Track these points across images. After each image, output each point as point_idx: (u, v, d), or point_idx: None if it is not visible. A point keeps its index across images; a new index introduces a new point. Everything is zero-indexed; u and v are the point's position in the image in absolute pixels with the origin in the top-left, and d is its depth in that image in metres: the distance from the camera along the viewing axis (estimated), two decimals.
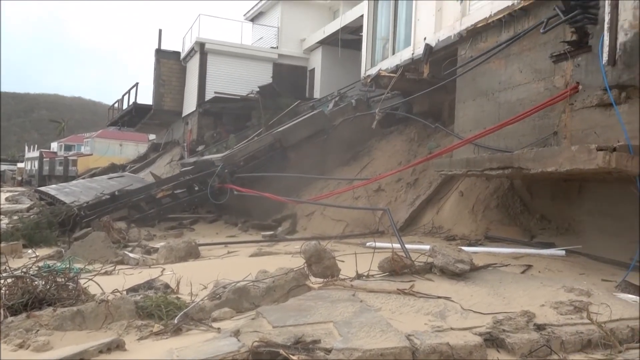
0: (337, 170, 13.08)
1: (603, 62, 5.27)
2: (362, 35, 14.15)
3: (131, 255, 7.94)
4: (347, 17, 19.19)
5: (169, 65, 24.16)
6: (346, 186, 11.33)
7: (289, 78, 22.44)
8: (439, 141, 11.07)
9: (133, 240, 10.19)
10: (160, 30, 24.83)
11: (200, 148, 19.70)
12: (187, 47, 23.25)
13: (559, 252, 6.41)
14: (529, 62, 7.08)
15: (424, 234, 9.21)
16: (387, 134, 13.37)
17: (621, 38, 5.10)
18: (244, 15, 26.35)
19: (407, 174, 10.82)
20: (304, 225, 11.67)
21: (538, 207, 8.12)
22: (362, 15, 14.53)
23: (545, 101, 6.35)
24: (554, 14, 6.36)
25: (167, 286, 4.99)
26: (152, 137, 34.73)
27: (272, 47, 23.20)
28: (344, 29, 19.36)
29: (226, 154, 13.60)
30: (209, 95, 21.24)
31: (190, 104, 22.74)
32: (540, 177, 6.99)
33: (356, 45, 16.84)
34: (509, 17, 7.47)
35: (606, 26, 5.20)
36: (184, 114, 23.70)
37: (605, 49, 5.20)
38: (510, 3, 7.31)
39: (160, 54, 24.05)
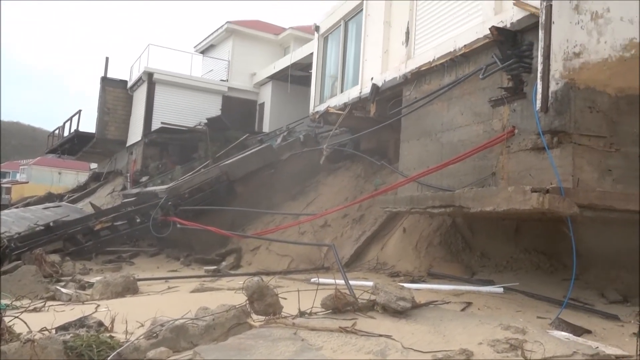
0: (284, 205, 13.05)
1: (537, 109, 5.59)
2: (311, 73, 14.42)
3: (64, 290, 7.54)
4: (297, 54, 19.55)
5: (115, 93, 23.69)
6: (292, 221, 11.29)
7: (238, 111, 22.46)
8: (385, 178, 11.29)
9: (67, 274, 9.69)
10: (107, 58, 24.37)
11: (144, 179, 19.21)
12: (135, 76, 22.93)
13: (497, 289, 6.59)
14: (470, 105, 7.40)
15: (368, 270, 9.26)
16: (335, 169, 13.52)
17: (553, 87, 5.44)
18: (195, 47, 26.36)
19: (353, 210, 10.92)
20: (248, 260, 11.48)
21: (479, 244, 8.38)
22: (312, 53, 14.86)
23: (484, 143, 6.63)
24: (492, 61, 6.72)
25: (100, 324, 4.75)
26: (93, 166, 33.60)
27: (222, 80, 23.24)
28: (294, 65, 19.68)
29: (171, 185, 13.31)
30: (156, 125, 20.90)
31: (135, 134, 22.27)
32: (480, 216, 7.23)
33: (306, 81, 17.14)
34: (450, 62, 7.81)
35: (539, 75, 5.53)
36: (128, 144, 23.15)
37: (539, 96, 5.52)
38: (452, 49, 7.66)
39: (106, 81, 23.57)
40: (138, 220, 12.79)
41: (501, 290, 6.59)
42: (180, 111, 21.65)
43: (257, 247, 11.64)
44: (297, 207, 12.60)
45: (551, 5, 5.44)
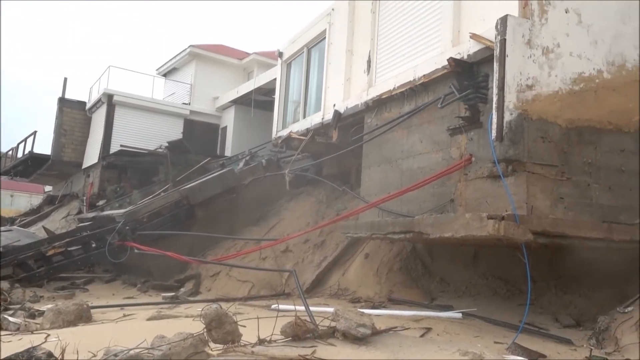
0: (245, 229, 12.93)
1: (492, 138, 5.77)
2: (274, 98, 14.51)
3: (11, 319, 7.19)
4: (260, 79, 19.65)
5: (72, 114, 23.18)
6: (253, 246, 11.19)
7: (201, 135, 22.30)
8: (347, 204, 11.36)
9: (16, 302, 9.27)
10: (65, 79, 23.86)
11: (101, 203, 18.71)
12: (94, 98, 22.52)
13: (456, 314, 6.67)
14: (429, 133, 7.57)
15: (330, 295, 9.23)
16: (297, 194, 13.52)
17: (507, 117, 5.64)
18: (157, 69, 26.16)
19: (314, 235, 10.91)
20: (208, 286, 11.27)
21: (438, 270, 8.49)
22: (275, 79, 14.97)
23: (442, 170, 6.78)
24: (450, 91, 6.93)
25: (50, 355, 4.54)
26: (48, 188, 32.54)
27: (184, 103, 23.08)
28: (258, 90, 19.76)
29: (128, 209, 13.00)
30: (115, 148, 20.51)
31: (93, 156, 21.76)
32: (440, 242, 7.35)
33: (269, 106, 17.22)
34: (410, 91, 7.99)
35: (494, 106, 5.73)
36: (85, 166, 22.56)
37: (494, 126, 5.70)
38: (411, 78, 7.86)
39: (63, 102, 23.04)
40: (94, 245, 12.42)
41: (460, 315, 6.68)
42: (140, 134, 21.33)
43: (217, 273, 11.45)
44: (258, 232, 12.50)
45: (505, 40, 5.67)
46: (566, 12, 6.08)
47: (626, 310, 5.62)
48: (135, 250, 11.49)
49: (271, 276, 10.32)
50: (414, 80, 7.83)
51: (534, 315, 6.52)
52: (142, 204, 13.30)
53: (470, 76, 6.68)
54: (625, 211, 6.19)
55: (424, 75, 7.61)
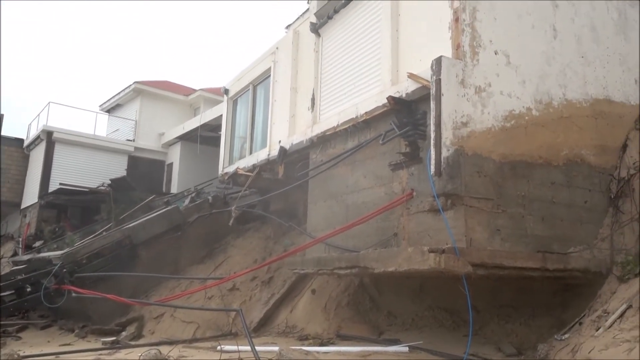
0: (191, 268, 12.60)
1: (431, 173, 5.94)
2: (221, 134, 14.45)
3: None
4: (207, 115, 19.56)
5: (9, 152, 22.27)
6: (199, 285, 10.90)
7: (145, 172, 21.84)
8: (294, 239, 11.31)
9: None
10: (1, 116, 22.92)
11: (37, 244, 17.83)
12: (33, 135, 21.73)
13: (402, 348, 6.70)
14: (372, 168, 7.71)
15: (278, 333, 9.08)
16: (244, 231, 13.36)
17: (444, 153, 5.83)
18: (100, 106, 25.62)
19: (262, 272, 10.78)
20: (151, 329, 10.83)
21: (385, 303, 8.53)
22: (221, 115, 14.94)
23: (385, 205, 6.89)
24: (391, 128, 7.11)
25: None
26: None
27: (128, 140, 22.61)
28: (204, 126, 19.63)
29: (66, 251, 12.42)
30: (54, 186, 19.74)
31: (31, 195, 20.85)
32: (385, 276, 7.40)
33: (215, 142, 17.08)
34: (353, 128, 8.14)
35: (432, 142, 5.92)
36: (23, 206, 21.56)
37: (432, 161, 5.88)
38: (354, 115, 8.02)
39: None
40: (29, 289, 11.76)
41: (406, 349, 6.70)
42: (81, 171, 20.69)
43: (161, 315, 11.06)
44: (204, 271, 12.22)
45: (440, 79, 5.92)
46: (495, 54, 6.43)
47: (563, 338, 5.81)
48: (73, 294, 10.95)
49: (217, 316, 10.07)
50: (357, 117, 7.98)
51: (477, 345, 6.63)
52: (82, 244, 12.76)
53: (409, 113, 6.88)
54: (557, 241, 6.47)
55: (365, 112, 7.77)
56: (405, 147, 6.90)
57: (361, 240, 7.54)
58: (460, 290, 5.65)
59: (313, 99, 9.57)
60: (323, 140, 9.08)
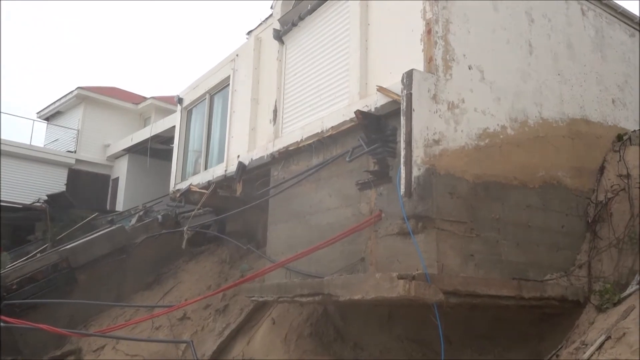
0: (137, 295, 12.32)
1: (401, 194, 5.99)
2: (173, 146, 14.28)
3: None
4: (158, 126, 19.33)
5: None
6: (146, 314, 10.65)
7: (88, 187, 21.38)
8: (252, 263, 11.21)
9: None
10: None
11: None
12: None
13: None
14: (338, 187, 7.73)
15: None
16: (197, 254, 13.16)
17: (415, 172, 5.90)
18: (38, 113, 24.96)
19: (216, 300, 10.63)
20: None
21: (352, 334, 8.49)
22: (174, 126, 14.78)
23: (351, 227, 6.90)
24: (359, 144, 7.17)
25: None
26: None
27: (69, 151, 22.07)
28: (155, 138, 19.38)
29: None
30: None
31: None
32: (351, 304, 7.39)
33: (167, 156, 16.87)
34: (318, 144, 8.16)
35: (402, 160, 5.98)
36: None
37: (402, 181, 5.93)
38: (319, 130, 8.05)
39: None
40: None
41: None
42: (14, 185, 20.06)
43: (102, 347, 10.76)
44: (152, 298, 11.96)
45: (411, 94, 6.01)
46: (469, 69, 6.60)
47: None
48: (1, 324, 10.51)
49: (166, 348, 9.86)
50: (322, 132, 8.01)
51: None
52: (12, 268, 12.32)
53: (378, 129, 6.94)
54: (533, 267, 6.61)
55: (331, 127, 7.82)
56: (373, 165, 6.95)
57: (325, 265, 7.52)
58: (431, 320, 5.68)
59: (275, 111, 9.58)
60: (286, 155, 9.07)
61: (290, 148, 8.81)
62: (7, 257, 15.10)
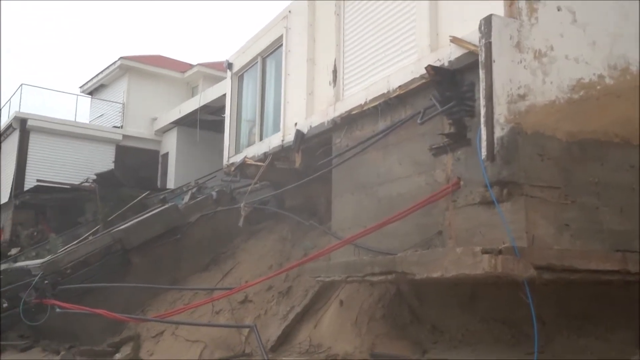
0: (194, 277, 12.73)
1: (482, 157, 5.85)
2: (224, 117, 14.49)
3: None
4: (207, 94, 19.65)
5: None
6: (205, 298, 11.00)
7: (136, 164, 22.10)
8: (316, 241, 11.32)
9: None
10: None
11: (13, 251, 18.21)
12: (4, 123, 22.11)
13: None
14: (409, 153, 7.64)
15: (300, 353, 9.11)
16: (256, 232, 13.42)
17: (498, 132, 5.74)
18: (81, 87, 25.91)
19: (279, 281, 10.82)
20: (150, 350, 11.01)
21: (429, 315, 8.46)
22: (224, 94, 14.97)
23: (426, 197, 6.82)
24: (431, 104, 7.02)
25: None
26: None
27: (115, 127, 22.86)
28: (204, 108, 19.73)
29: (48, 259, 12.69)
30: (30, 183, 20.16)
31: (3, 195, 21.27)
32: (428, 282, 7.36)
33: (218, 127, 17.18)
34: (385, 105, 8.07)
35: (482, 120, 5.82)
36: None
37: (483, 143, 5.79)
38: (385, 90, 7.95)
39: None
40: (5, 305, 12.07)
41: None
42: (62, 165, 21.04)
43: (161, 333, 11.23)
44: (210, 280, 12.32)
45: (490, 43, 5.81)
46: (558, 10, 6.28)
47: None
48: (57, 310, 11.18)
49: (227, 333, 10.15)
50: (388, 92, 7.91)
51: None
52: (65, 251, 13.02)
53: (453, 86, 6.78)
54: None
55: (399, 86, 7.70)
56: (449, 126, 6.81)
57: (398, 241, 7.50)
58: (520, 299, 5.58)
59: (335, 72, 9.52)
60: (348, 120, 9.03)
61: (353, 112, 8.75)
62: (58, 241, 15.93)
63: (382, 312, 8.83)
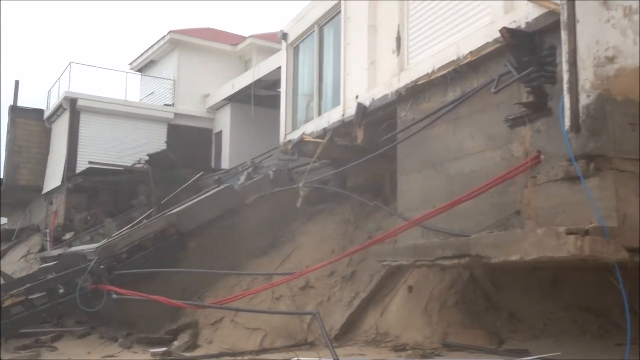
0: (253, 262, 12.95)
1: (565, 128, 5.71)
2: (280, 91, 14.57)
3: None
4: (261, 68, 19.77)
5: (27, 126, 23.63)
6: (264, 283, 11.19)
7: (189, 143, 22.51)
8: (381, 222, 11.31)
9: None
10: (17, 82, 24.37)
11: (68, 236, 18.96)
12: (54, 104, 22.87)
13: None
14: (482, 126, 7.56)
15: (366, 342, 9.19)
16: (316, 213, 13.50)
17: (583, 100, 5.58)
18: (130, 64, 26.52)
19: (342, 265, 10.89)
20: (208, 337, 11.31)
21: (506, 303, 8.37)
22: (279, 67, 15.04)
23: (502, 174, 6.73)
24: (507, 70, 6.88)
25: None
26: (2, 221, 33.11)
27: (166, 105, 23.32)
28: (259, 82, 19.88)
29: (103, 243, 13.15)
30: (82, 165, 20.78)
31: (55, 178, 22.08)
32: (505, 267, 7.27)
33: (274, 103, 17.29)
34: (454, 74, 8.01)
35: (565, 86, 5.69)
36: (46, 191, 22.93)
37: (567, 112, 5.65)
38: (455, 57, 7.89)
39: (15, 112, 23.52)
40: (61, 291, 12.54)
41: None
42: (113, 146, 21.60)
43: (220, 320, 11.49)
44: (269, 265, 12.51)
45: (574, 0, 5.63)
46: None
47: None
48: (114, 296, 11.57)
49: (289, 321, 10.31)
50: (458, 59, 7.86)
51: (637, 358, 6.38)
52: (120, 235, 13.42)
53: (531, 50, 6.66)
54: None
55: (470, 52, 7.64)
56: (527, 95, 6.71)
57: (471, 221, 7.46)
58: (609, 284, 5.46)
59: (399, 39, 9.47)
60: (414, 92, 8.99)
61: (420, 82, 8.71)
62: (112, 225, 16.46)
63: (454, 298, 8.79)
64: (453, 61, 7.97)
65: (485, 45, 7.39)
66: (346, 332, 9.64)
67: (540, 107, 6.56)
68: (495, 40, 7.13)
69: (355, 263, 10.77)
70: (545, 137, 6.50)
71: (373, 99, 10.10)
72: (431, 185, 8.46)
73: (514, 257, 5.85)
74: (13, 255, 22.82)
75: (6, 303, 11.95)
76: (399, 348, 8.38)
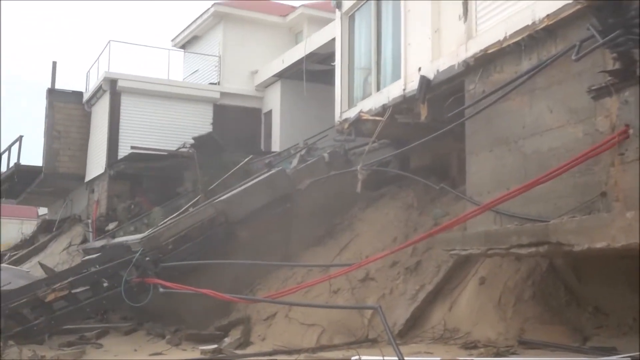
0: (308, 252, 13.05)
1: None
2: (335, 66, 14.54)
3: None
4: (313, 40, 19.76)
5: (66, 110, 24.20)
6: (320, 275, 11.27)
7: (236, 125, 22.70)
8: (448, 208, 11.25)
9: None
10: (54, 63, 25.00)
11: (111, 226, 19.47)
12: (93, 86, 23.36)
13: None
14: (561, 98, 7.44)
15: (433, 339, 9.19)
16: (376, 199, 13.49)
17: None
18: (173, 40, 26.83)
19: (405, 255, 10.87)
20: (261, 334, 11.48)
21: (590, 296, 8.25)
22: (334, 39, 15.01)
23: (585, 151, 6.60)
24: (589, 35, 6.71)
25: None
26: (42, 211, 34.24)
27: (211, 84, 23.56)
28: (311, 56, 19.87)
29: (148, 234, 13.44)
30: (124, 151, 21.20)
31: (96, 165, 22.64)
32: (589, 255, 7.14)
33: (327, 78, 17.28)
34: (529, 40, 7.90)
35: None
36: (87, 179, 23.56)
37: None
38: (530, 22, 7.77)
39: (54, 95, 24.12)
40: (105, 284, 12.89)
41: None
42: (156, 130, 21.92)
43: (273, 315, 11.64)
44: (326, 255, 12.59)
45: None
46: None
47: None
48: (161, 289, 11.82)
49: (348, 316, 10.37)
50: (534, 23, 7.76)
51: None
52: (165, 225, 13.66)
53: (617, 11, 6.43)
54: None
55: (547, 15, 7.53)
56: (613, 62, 6.54)
57: (550, 205, 7.39)
58: None
59: (466, 3, 9.39)
60: (484, 61, 8.91)
61: (490, 50, 8.63)
62: (158, 214, 16.80)
63: (531, 291, 8.70)
64: (528, 26, 7.86)
65: (564, 7, 7.27)
66: (411, 328, 9.64)
67: (628, 75, 6.38)
68: (576, 2, 6.99)
69: (420, 252, 10.74)
70: (635, 109, 6.33)
71: (437, 71, 10.04)
72: (504, 166, 8.38)
73: (600, 245, 5.78)
74: (54, 248, 23.62)
75: (49, 298, 12.38)
76: (469, 345, 8.35)
